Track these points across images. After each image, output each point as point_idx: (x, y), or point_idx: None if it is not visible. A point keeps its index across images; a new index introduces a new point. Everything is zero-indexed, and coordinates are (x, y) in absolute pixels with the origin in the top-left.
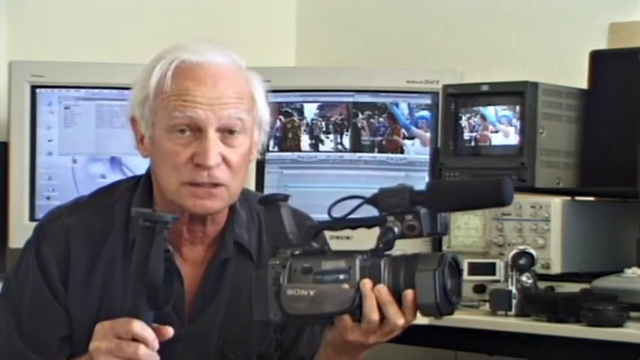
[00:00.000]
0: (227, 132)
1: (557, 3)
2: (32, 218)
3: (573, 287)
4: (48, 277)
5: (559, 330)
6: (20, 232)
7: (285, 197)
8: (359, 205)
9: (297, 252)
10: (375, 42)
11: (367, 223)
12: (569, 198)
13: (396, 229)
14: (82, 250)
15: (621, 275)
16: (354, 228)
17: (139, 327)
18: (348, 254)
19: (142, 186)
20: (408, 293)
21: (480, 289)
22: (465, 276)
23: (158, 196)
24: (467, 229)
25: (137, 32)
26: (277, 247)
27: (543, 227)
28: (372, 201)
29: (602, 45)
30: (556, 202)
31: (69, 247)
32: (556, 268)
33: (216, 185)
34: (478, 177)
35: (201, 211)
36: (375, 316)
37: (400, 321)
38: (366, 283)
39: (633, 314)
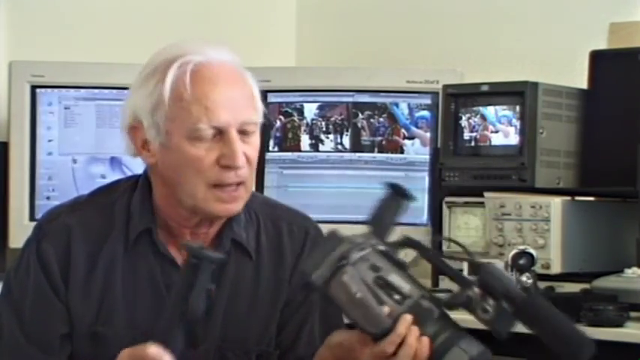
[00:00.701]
0: (244, 132)
1: (557, 3)
2: (32, 218)
3: (573, 287)
4: (49, 274)
5: None
6: (20, 232)
7: (412, 199)
8: (460, 260)
9: (381, 247)
10: (375, 42)
11: (454, 275)
12: (569, 198)
13: (472, 301)
14: (82, 248)
15: (621, 275)
16: (436, 266)
17: None
18: (417, 285)
19: (141, 187)
20: (427, 347)
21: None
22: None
23: (161, 199)
24: (467, 229)
25: (137, 32)
26: (368, 228)
27: (543, 227)
28: (475, 264)
29: (602, 45)
30: (556, 202)
31: (70, 245)
32: (556, 268)
33: (238, 184)
34: (480, 177)
35: (226, 215)
36: (390, 350)
37: None
38: (406, 319)
39: (633, 314)
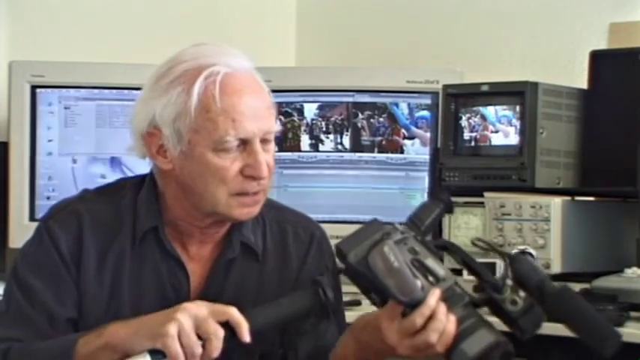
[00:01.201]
0: (266, 141)
1: (557, 3)
2: (32, 218)
3: (573, 287)
4: (61, 252)
5: (559, 330)
6: (20, 232)
7: (449, 209)
8: (497, 253)
9: (419, 237)
10: (375, 42)
11: (486, 276)
12: (569, 198)
13: (505, 289)
14: (93, 237)
15: (621, 275)
16: (469, 268)
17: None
18: (451, 272)
19: (148, 186)
20: (455, 325)
21: (479, 288)
22: (465, 276)
23: (172, 201)
24: (467, 229)
25: (137, 32)
26: (407, 225)
27: (543, 227)
28: (510, 256)
29: (602, 45)
30: (556, 202)
31: (81, 232)
32: (556, 268)
33: (261, 191)
34: (480, 177)
35: (247, 218)
36: (420, 322)
37: (433, 338)
38: (436, 292)
39: (633, 314)
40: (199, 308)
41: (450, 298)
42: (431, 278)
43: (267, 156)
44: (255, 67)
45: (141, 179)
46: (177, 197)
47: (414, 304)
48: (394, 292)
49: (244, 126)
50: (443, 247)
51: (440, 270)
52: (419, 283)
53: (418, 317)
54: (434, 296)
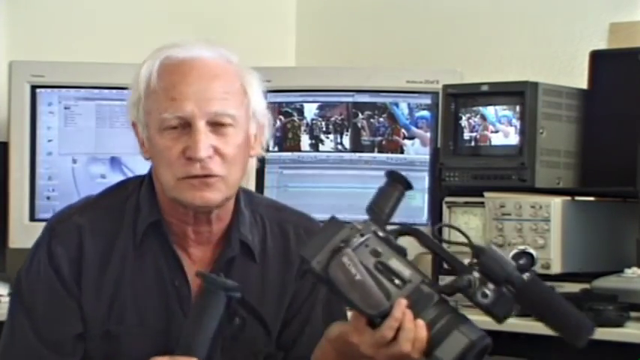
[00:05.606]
0: (218, 125)
1: (557, 3)
2: (32, 218)
3: (573, 287)
4: (60, 275)
5: None
6: (20, 232)
7: (408, 187)
8: (458, 244)
9: (381, 234)
10: (375, 42)
11: (454, 261)
12: (569, 198)
13: (473, 285)
14: (94, 247)
15: (621, 275)
16: (434, 252)
17: None
18: (417, 271)
19: (146, 185)
20: (425, 330)
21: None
22: None
23: (161, 195)
24: (467, 229)
25: (137, 32)
26: (369, 217)
27: (543, 227)
28: (477, 248)
29: (602, 45)
30: (556, 202)
31: (81, 246)
32: (556, 268)
33: (209, 176)
34: (480, 177)
35: (201, 204)
36: (389, 335)
37: (406, 347)
38: (402, 303)
39: (633, 314)
40: None
41: (418, 301)
42: (397, 281)
43: (217, 141)
44: (232, 60)
45: (142, 178)
46: (160, 190)
47: (383, 316)
48: (360, 307)
49: (183, 104)
50: (406, 234)
51: (405, 270)
52: (384, 290)
53: (387, 331)
54: (399, 307)
